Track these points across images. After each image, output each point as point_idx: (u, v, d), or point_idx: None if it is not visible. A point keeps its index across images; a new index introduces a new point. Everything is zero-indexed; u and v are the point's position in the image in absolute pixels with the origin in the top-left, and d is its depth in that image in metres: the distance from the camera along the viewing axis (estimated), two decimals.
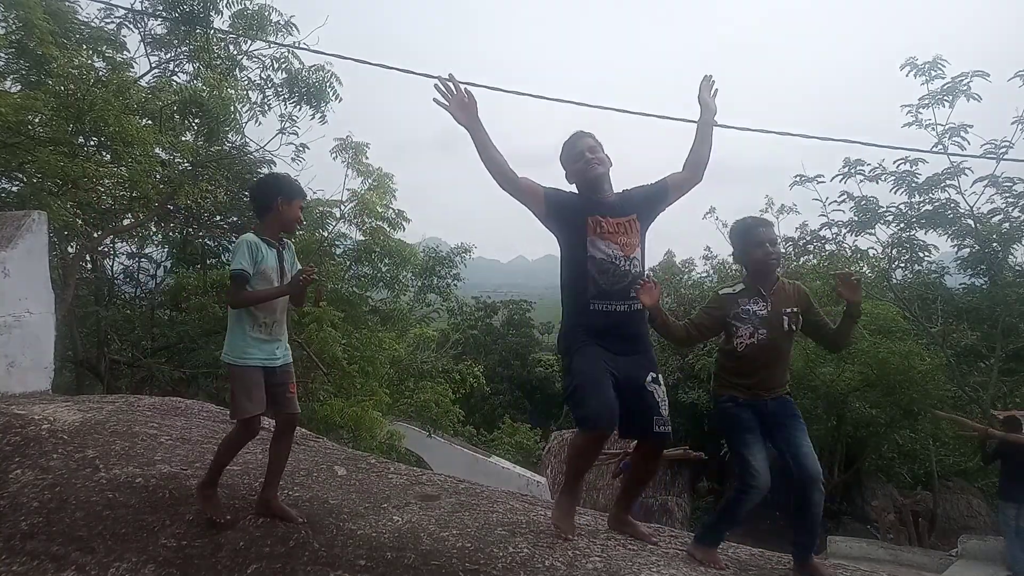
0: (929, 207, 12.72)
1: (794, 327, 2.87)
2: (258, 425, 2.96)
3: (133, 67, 10.18)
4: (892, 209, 13.20)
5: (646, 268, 3.01)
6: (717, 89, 3.20)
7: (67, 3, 9.51)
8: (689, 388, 16.78)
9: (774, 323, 2.84)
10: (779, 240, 2.97)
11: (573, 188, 3.07)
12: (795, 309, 2.87)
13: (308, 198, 3.18)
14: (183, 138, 9.86)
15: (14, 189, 8.91)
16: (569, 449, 3.04)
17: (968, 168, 12.28)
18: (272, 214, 2.99)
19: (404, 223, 12.82)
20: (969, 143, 11.89)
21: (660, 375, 2.95)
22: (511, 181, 3.03)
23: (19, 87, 8.63)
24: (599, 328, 2.88)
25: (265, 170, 12.01)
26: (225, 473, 3.38)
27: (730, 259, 22.10)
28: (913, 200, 12.88)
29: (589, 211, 2.93)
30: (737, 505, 2.75)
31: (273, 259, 2.96)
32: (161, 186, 9.31)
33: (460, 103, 3.08)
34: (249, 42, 10.42)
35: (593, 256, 2.88)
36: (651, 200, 3.03)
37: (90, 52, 9.27)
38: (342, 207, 12.26)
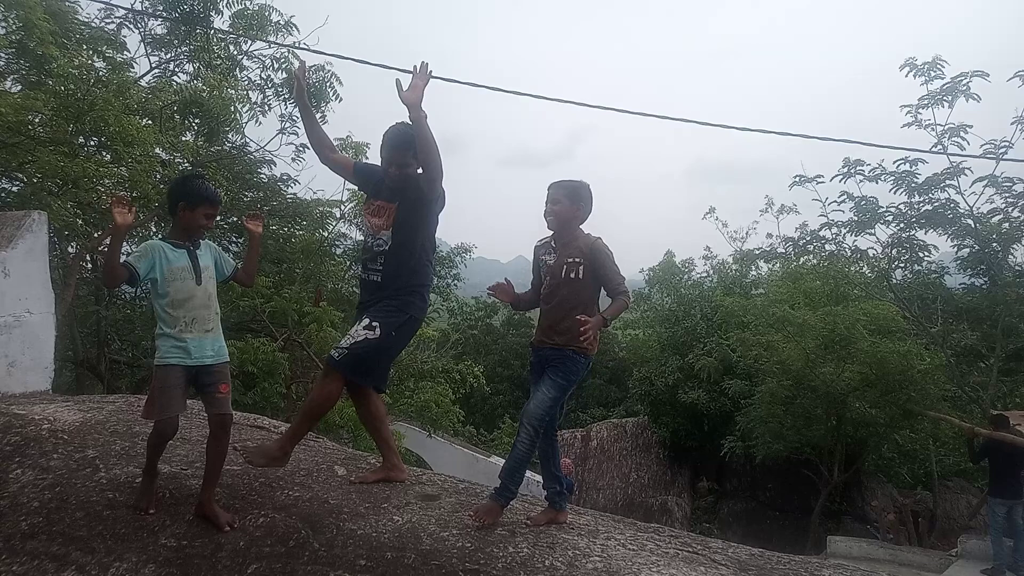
0: (929, 207, 12.72)
1: (572, 275, 3.09)
2: (172, 427, 2.94)
3: (133, 67, 10.21)
4: (892, 209, 13.21)
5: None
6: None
7: (67, 3, 9.50)
8: (689, 388, 16.76)
9: (555, 271, 3.12)
10: (561, 200, 3.14)
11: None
12: (577, 259, 3.09)
13: (220, 203, 3.26)
14: (183, 138, 9.86)
15: (14, 189, 8.92)
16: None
17: (968, 168, 12.30)
18: (176, 217, 3.06)
19: None
20: (968, 143, 11.91)
21: (370, 320, 3.22)
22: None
23: (19, 87, 8.64)
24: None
25: (265, 170, 12.03)
26: (224, 473, 3.38)
27: (730, 259, 22.13)
28: (913, 200, 12.88)
29: (371, 194, 3.48)
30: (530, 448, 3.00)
31: (183, 259, 2.99)
32: (161, 186, 9.31)
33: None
34: (249, 42, 10.43)
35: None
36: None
37: (90, 52, 9.27)
38: (342, 207, 12.27)
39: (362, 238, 3.47)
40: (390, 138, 3.34)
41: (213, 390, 2.97)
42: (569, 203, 3.14)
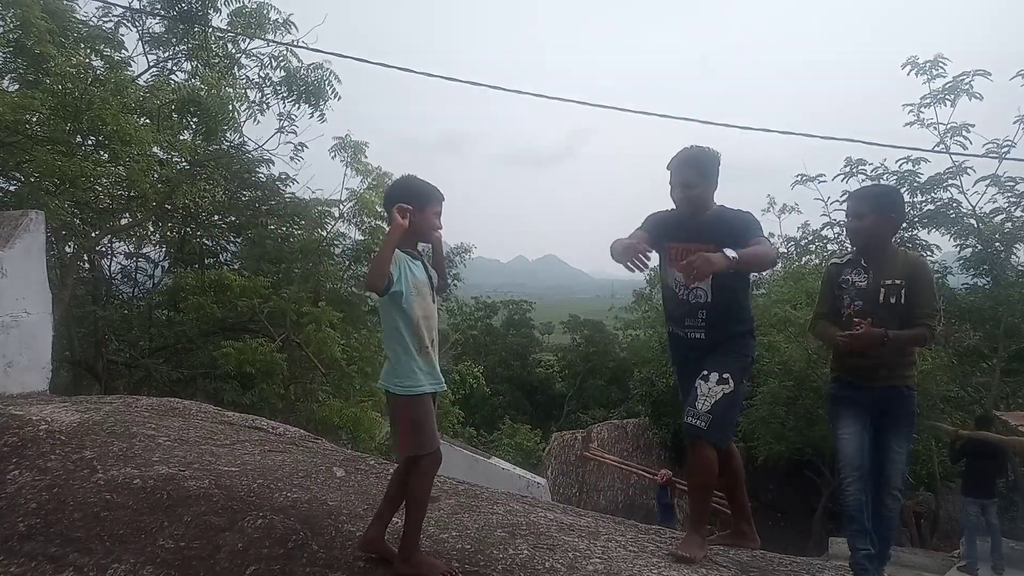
0: (931, 207, 12.70)
1: (892, 299, 2.70)
2: (441, 455, 2.65)
3: (131, 66, 10.15)
4: None
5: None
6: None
7: (65, 2, 9.47)
8: None
9: (869, 295, 2.74)
10: (865, 214, 2.77)
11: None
12: (898, 281, 2.70)
13: (443, 199, 2.77)
14: (181, 137, 9.83)
15: (12, 188, 8.89)
16: None
17: (970, 168, 12.27)
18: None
19: None
20: (971, 142, 11.88)
21: (719, 373, 2.81)
22: None
23: (17, 86, 8.61)
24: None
25: (264, 169, 11.99)
26: (223, 474, 3.35)
27: None
28: (915, 200, 12.85)
29: (673, 237, 3.00)
30: (844, 498, 2.69)
31: (422, 271, 2.68)
32: (159, 185, 9.28)
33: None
34: (247, 40, 10.40)
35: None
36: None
37: (88, 51, 9.24)
38: (341, 206, 12.24)
39: (663, 289, 3.02)
40: (679, 159, 2.95)
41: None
42: (876, 215, 2.77)
